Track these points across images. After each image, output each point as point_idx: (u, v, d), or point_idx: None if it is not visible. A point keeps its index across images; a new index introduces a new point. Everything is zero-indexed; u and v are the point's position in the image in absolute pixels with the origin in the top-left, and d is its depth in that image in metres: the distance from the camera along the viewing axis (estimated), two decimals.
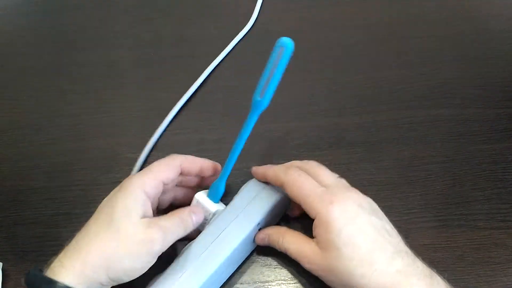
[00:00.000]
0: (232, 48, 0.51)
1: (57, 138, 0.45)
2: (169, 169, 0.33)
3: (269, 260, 0.37)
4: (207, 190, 0.36)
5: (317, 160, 0.39)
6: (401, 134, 0.43)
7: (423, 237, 0.37)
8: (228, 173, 0.34)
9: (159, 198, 0.34)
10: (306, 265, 0.32)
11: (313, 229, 0.31)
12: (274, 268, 0.37)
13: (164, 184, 0.33)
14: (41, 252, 0.39)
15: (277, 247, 0.34)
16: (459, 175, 0.40)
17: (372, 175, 0.41)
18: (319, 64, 0.49)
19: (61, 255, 0.29)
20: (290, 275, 0.36)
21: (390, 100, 0.46)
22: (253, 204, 0.35)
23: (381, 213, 0.32)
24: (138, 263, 0.29)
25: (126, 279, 0.29)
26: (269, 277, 0.36)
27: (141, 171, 0.32)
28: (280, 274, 0.36)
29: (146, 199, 0.31)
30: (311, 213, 0.31)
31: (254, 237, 0.35)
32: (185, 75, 0.49)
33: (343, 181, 0.34)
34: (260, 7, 0.55)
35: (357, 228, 0.30)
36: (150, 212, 0.31)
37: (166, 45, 0.52)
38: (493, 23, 0.51)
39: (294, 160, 0.37)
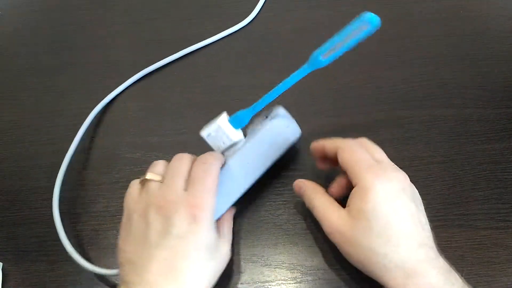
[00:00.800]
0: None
1: (57, 138, 0.45)
2: (218, 174, 0.33)
3: (269, 260, 0.37)
4: (227, 116, 0.36)
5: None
6: (401, 134, 0.43)
7: None
8: (260, 108, 0.35)
9: None
10: (327, 228, 0.32)
11: (349, 198, 0.32)
12: (274, 268, 0.37)
13: None
14: (41, 252, 0.39)
15: (306, 202, 0.35)
16: (459, 175, 0.40)
17: None
18: None
19: None
20: (290, 275, 0.36)
21: (390, 100, 0.46)
22: (275, 142, 0.38)
23: (421, 205, 0.32)
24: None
25: None
26: (269, 277, 0.36)
27: (202, 189, 0.31)
28: (280, 274, 0.36)
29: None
30: (354, 180, 0.31)
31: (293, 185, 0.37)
32: (185, 75, 0.49)
33: (393, 164, 0.34)
34: (261, 7, 0.55)
35: (394, 209, 0.30)
36: None
37: (166, 45, 0.52)
38: (493, 23, 0.51)
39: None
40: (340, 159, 0.33)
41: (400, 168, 0.41)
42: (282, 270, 0.36)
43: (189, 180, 0.32)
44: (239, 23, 0.52)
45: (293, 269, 0.36)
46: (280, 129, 0.38)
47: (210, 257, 0.31)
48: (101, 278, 0.37)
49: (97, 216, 0.40)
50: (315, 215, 0.34)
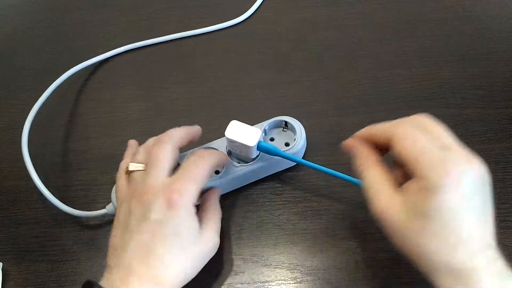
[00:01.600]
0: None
1: (57, 138, 0.45)
2: (209, 170, 0.33)
3: (269, 260, 0.37)
4: (261, 138, 0.36)
5: (317, 160, 0.39)
6: None
7: None
8: (292, 160, 0.37)
9: None
10: (375, 211, 0.28)
11: (407, 186, 0.27)
12: (274, 268, 0.37)
13: None
14: (41, 252, 0.39)
15: (355, 167, 0.31)
16: None
17: None
18: (319, 64, 0.49)
19: (118, 277, 0.29)
20: (290, 275, 0.36)
21: (390, 100, 0.46)
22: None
23: (489, 194, 0.28)
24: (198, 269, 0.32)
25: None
26: (269, 277, 0.36)
27: (184, 176, 0.31)
28: (280, 274, 0.36)
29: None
30: (417, 174, 0.26)
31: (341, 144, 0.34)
32: (185, 75, 0.49)
33: (464, 150, 0.28)
34: (260, 5, 0.55)
35: (460, 213, 0.26)
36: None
37: (166, 45, 0.52)
38: (493, 23, 0.51)
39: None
40: (397, 151, 0.28)
41: None
42: (282, 270, 0.36)
43: (179, 168, 0.32)
44: (225, 23, 0.53)
45: (293, 269, 0.36)
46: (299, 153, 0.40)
47: (191, 243, 0.31)
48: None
49: (97, 216, 0.40)
50: (363, 189, 0.29)
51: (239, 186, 0.40)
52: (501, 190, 0.39)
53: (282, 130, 0.41)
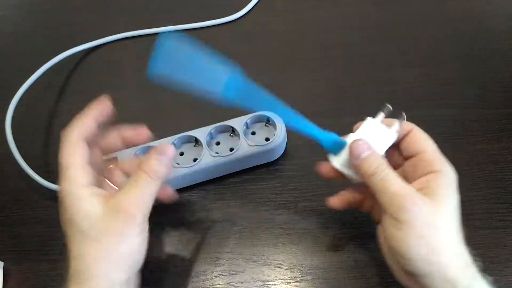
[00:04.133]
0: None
1: (57, 138, 0.45)
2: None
3: (269, 260, 0.37)
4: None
5: (317, 160, 0.39)
6: None
7: None
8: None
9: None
10: (401, 200, 0.28)
11: (425, 181, 0.30)
12: (274, 267, 0.37)
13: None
14: (42, 251, 0.39)
15: (366, 179, 0.30)
16: (459, 175, 0.40)
17: None
18: (319, 64, 0.49)
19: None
20: (290, 275, 0.36)
21: (390, 100, 0.46)
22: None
23: None
24: (132, 251, 0.27)
25: (138, 265, 0.28)
26: (269, 276, 0.36)
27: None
28: (280, 274, 0.36)
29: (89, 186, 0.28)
30: (435, 167, 0.30)
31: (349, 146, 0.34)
32: None
33: None
34: (255, 4, 0.55)
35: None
36: (101, 187, 0.29)
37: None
38: (493, 23, 0.51)
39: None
40: (417, 140, 0.32)
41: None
42: (282, 269, 0.37)
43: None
44: (214, 20, 0.53)
45: (292, 268, 0.37)
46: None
47: (97, 232, 0.26)
48: None
49: None
50: (373, 190, 0.29)
51: (217, 176, 0.41)
52: (500, 190, 0.39)
53: (265, 126, 0.42)
